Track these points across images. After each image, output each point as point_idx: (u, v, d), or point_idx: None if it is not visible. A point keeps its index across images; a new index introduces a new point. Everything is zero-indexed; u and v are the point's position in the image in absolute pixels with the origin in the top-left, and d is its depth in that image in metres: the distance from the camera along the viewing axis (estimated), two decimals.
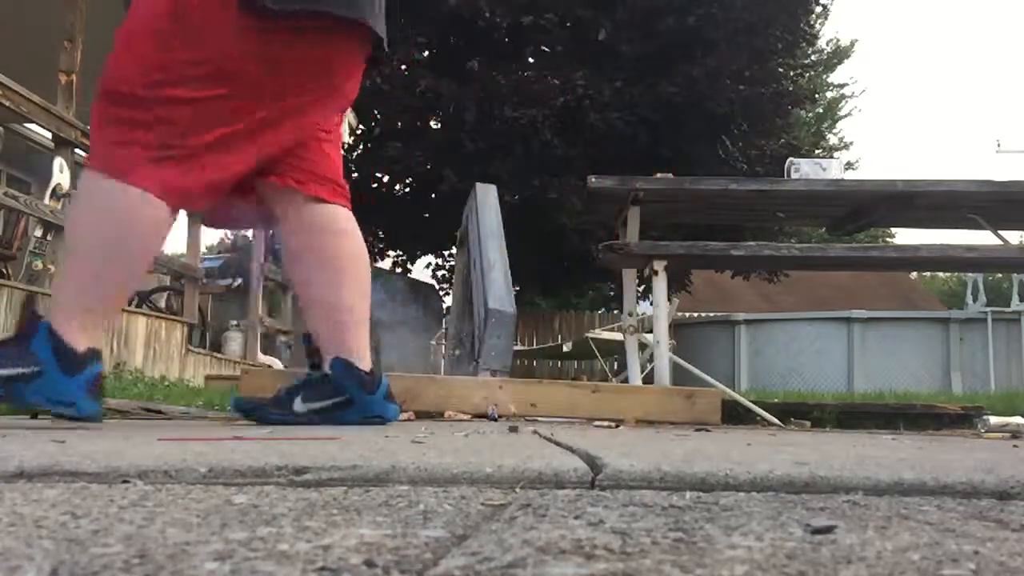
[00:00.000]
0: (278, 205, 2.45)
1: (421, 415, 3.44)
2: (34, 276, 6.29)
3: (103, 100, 2.18)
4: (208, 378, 6.44)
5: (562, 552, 0.75)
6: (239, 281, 9.65)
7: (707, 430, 3.08)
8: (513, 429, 2.68)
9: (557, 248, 13.27)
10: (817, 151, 18.25)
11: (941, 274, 31.89)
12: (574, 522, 0.92)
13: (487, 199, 5.85)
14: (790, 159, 4.53)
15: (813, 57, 17.87)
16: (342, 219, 2.47)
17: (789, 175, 4.41)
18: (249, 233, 9.08)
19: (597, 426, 3.24)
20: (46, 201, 5.38)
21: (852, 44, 27.24)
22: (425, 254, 16.64)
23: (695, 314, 16.97)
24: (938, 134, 77.32)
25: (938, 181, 4.33)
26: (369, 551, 0.75)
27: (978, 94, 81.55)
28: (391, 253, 16.54)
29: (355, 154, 14.39)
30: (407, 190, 14.48)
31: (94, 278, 2.20)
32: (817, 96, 18.87)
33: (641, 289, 8.63)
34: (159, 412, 3.40)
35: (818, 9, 16.08)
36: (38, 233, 7.11)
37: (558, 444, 1.91)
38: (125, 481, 1.21)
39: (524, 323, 15.08)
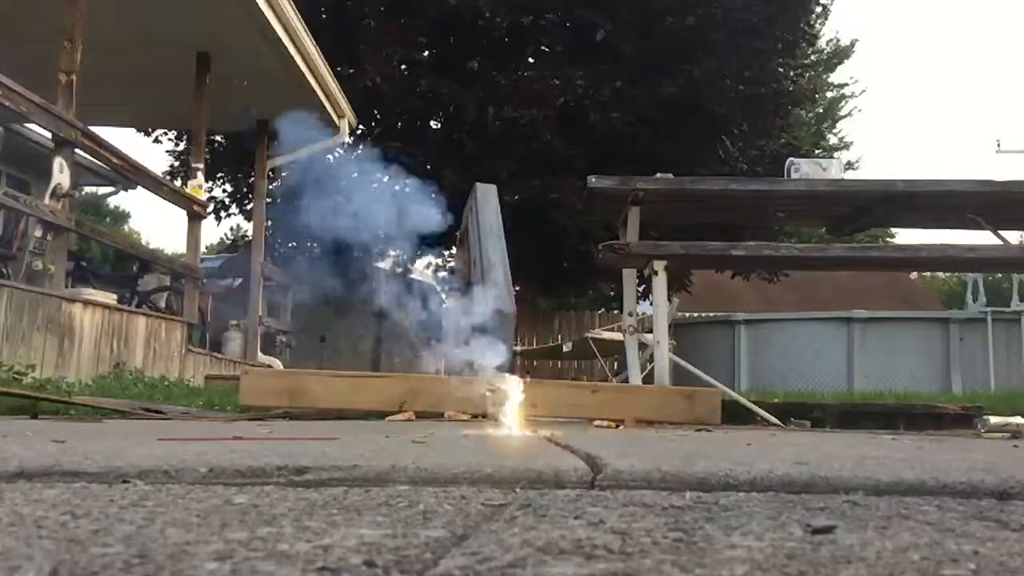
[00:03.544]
0: None
1: (421, 415, 3.45)
2: (34, 276, 6.29)
3: None
4: (208, 378, 6.44)
5: (562, 552, 0.75)
6: (239, 281, 9.65)
7: (707, 430, 3.08)
8: (513, 429, 2.68)
9: (557, 248, 13.26)
10: (817, 151, 18.25)
11: (941, 274, 31.86)
12: (574, 522, 0.92)
13: (487, 199, 5.85)
14: (790, 159, 4.52)
15: (813, 57, 17.87)
16: None
17: (789, 175, 4.41)
18: (249, 233, 9.06)
19: (597, 426, 3.24)
20: (46, 201, 5.37)
21: (852, 44, 27.17)
22: (425, 254, 16.63)
23: (695, 314, 16.95)
24: (938, 134, 77.31)
25: (938, 181, 4.32)
26: (369, 551, 0.75)
27: (978, 94, 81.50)
28: (391, 253, 16.53)
29: (355, 154, 14.38)
30: (407, 190, 14.47)
31: None
32: (817, 96, 18.84)
33: (641, 289, 8.62)
34: (159, 412, 3.40)
35: (818, 9, 16.07)
36: (38, 233, 7.11)
37: (558, 444, 1.91)
38: (125, 481, 1.21)
39: (524, 323, 15.06)
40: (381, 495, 1.12)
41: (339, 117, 9.17)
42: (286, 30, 7.27)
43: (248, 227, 14.99)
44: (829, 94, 26.85)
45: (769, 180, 5.57)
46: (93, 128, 6.14)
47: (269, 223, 9.90)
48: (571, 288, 17.42)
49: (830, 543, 0.82)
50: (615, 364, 11.79)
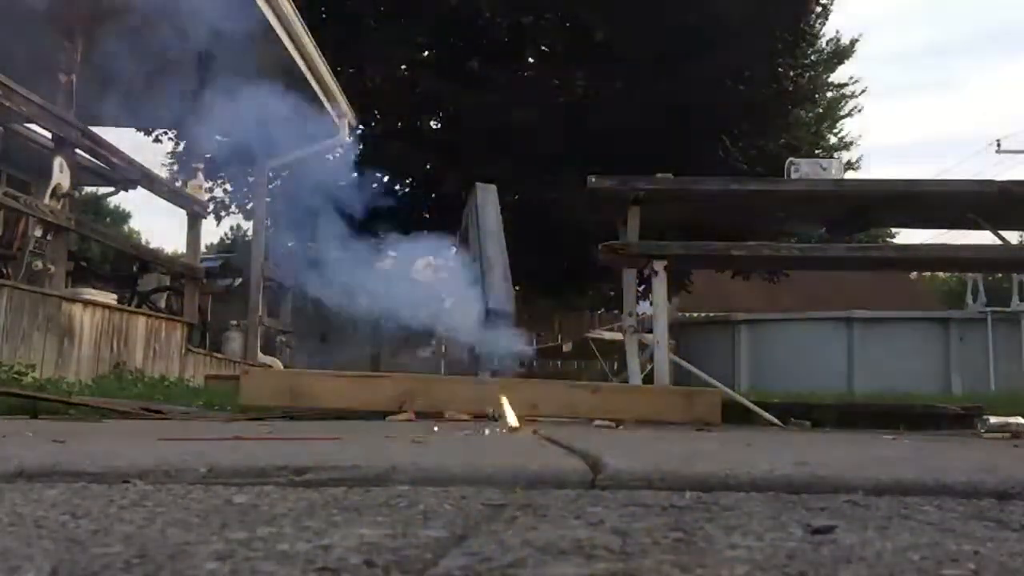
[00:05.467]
0: None
1: (421, 415, 3.45)
2: (34, 276, 6.28)
3: None
4: (208, 378, 6.43)
5: (562, 552, 0.75)
6: (239, 281, 9.64)
7: (707, 430, 3.09)
8: (513, 429, 2.68)
9: (557, 248, 13.26)
10: (817, 151, 18.19)
11: (941, 274, 31.84)
12: (574, 522, 0.92)
13: (487, 199, 5.85)
14: (790, 159, 4.52)
15: (813, 57, 17.84)
16: None
17: (789, 175, 4.40)
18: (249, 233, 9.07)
19: (597, 426, 3.24)
20: (46, 201, 5.37)
21: (853, 43, 27.11)
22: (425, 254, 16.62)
23: (695, 314, 16.95)
24: (938, 134, 77.46)
25: (938, 181, 4.33)
26: (369, 551, 0.75)
27: (978, 94, 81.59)
28: (391, 253, 16.53)
29: (355, 154, 14.38)
30: (407, 190, 14.49)
31: None
32: (817, 96, 18.83)
33: (641, 289, 8.62)
34: (159, 412, 3.39)
35: (818, 9, 16.07)
36: (38, 233, 7.10)
37: (558, 444, 1.91)
38: (125, 481, 1.21)
39: (524, 323, 15.04)
40: (381, 495, 1.12)
41: (339, 117, 9.16)
42: (285, 29, 7.27)
43: (248, 227, 15.03)
44: (829, 94, 26.78)
45: (769, 180, 5.57)
46: (93, 128, 6.14)
47: (269, 222, 9.92)
48: (571, 288, 17.41)
49: (830, 543, 0.82)
50: (615, 364, 11.79)
